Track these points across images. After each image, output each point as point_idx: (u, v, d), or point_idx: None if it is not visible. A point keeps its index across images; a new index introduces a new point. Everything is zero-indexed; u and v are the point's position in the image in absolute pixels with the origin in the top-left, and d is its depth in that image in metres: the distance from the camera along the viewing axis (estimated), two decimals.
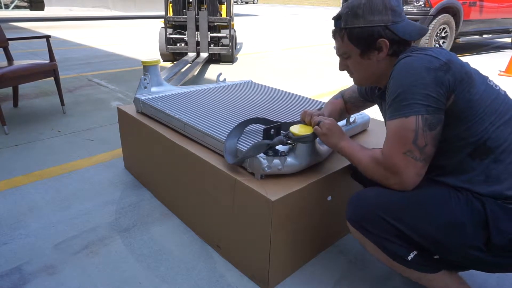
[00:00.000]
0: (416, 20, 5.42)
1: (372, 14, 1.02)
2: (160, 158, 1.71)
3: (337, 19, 1.09)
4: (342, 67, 1.15)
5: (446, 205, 0.95)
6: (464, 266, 1.10)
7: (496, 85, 1.00)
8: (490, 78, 1.04)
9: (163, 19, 5.04)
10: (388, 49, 1.04)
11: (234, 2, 23.89)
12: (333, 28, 1.12)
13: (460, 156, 0.96)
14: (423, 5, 5.60)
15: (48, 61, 2.89)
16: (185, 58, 4.71)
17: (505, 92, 1.01)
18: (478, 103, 0.93)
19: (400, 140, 0.93)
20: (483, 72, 1.08)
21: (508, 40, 8.21)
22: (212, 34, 5.03)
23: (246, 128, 1.47)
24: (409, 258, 0.99)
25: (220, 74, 2.24)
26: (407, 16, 1.10)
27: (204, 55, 4.99)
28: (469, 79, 0.93)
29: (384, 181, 0.99)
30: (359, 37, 1.04)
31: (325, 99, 3.64)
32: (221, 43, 5.17)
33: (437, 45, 5.93)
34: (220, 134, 1.41)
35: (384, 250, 1.00)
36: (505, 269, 0.97)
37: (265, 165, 1.22)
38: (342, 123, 1.54)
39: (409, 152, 0.92)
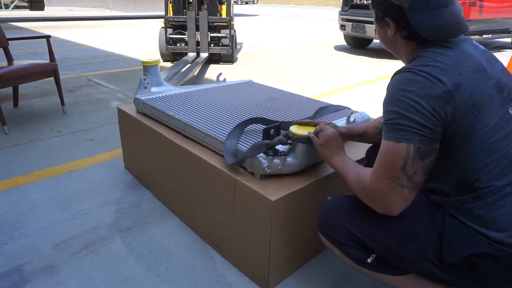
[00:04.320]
0: None
1: None
2: (160, 158, 1.71)
3: None
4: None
5: (405, 217, 0.93)
6: None
7: None
8: None
9: (163, 19, 5.04)
10: (396, 31, 0.92)
11: (234, 2, 23.89)
12: None
13: (445, 182, 0.91)
14: None
15: (48, 61, 2.89)
16: (185, 58, 4.71)
17: None
18: (478, 140, 0.82)
19: (388, 165, 0.86)
20: None
21: (508, 40, 8.21)
22: (212, 34, 5.03)
23: (246, 128, 1.47)
24: (368, 260, 1.01)
25: (220, 74, 2.24)
26: None
27: (204, 55, 4.99)
28: (476, 111, 0.81)
29: (370, 204, 0.94)
30: (374, 0, 0.95)
31: (325, 99, 3.64)
32: (221, 43, 5.17)
33: None
34: (220, 134, 1.41)
35: (346, 255, 1.03)
36: (462, 287, 0.94)
37: (265, 165, 1.22)
38: (342, 123, 1.53)
39: (395, 178, 0.85)
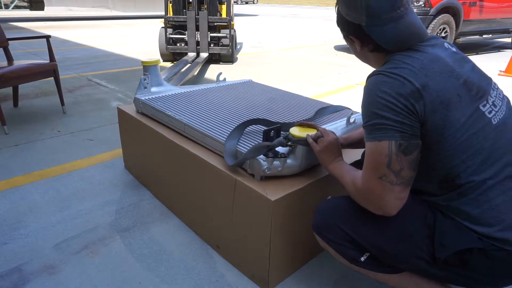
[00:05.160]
0: None
1: (349, 8, 0.95)
2: (160, 158, 1.71)
3: None
4: None
5: (398, 216, 0.94)
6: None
7: (492, 111, 0.90)
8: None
9: (163, 19, 5.04)
10: (362, 46, 0.99)
11: (234, 2, 23.88)
12: None
13: (429, 182, 0.93)
14: (423, 5, 5.60)
15: (48, 61, 2.89)
16: (185, 58, 4.71)
17: (503, 119, 0.91)
18: (451, 137, 0.86)
19: (374, 164, 0.88)
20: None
21: (508, 40, 8.21)
22: (212, 34, 5.03)
23: (246, 129, 1.47)
24: (362, 259, 1.03)
25: (220, 74, 2.24)
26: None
27: (204, 55, 4.99)
28: (445, 109, 0.85)
29: (366, 207, 0.95)
30: (339, 21, 1.02)
31: (325, 99, 3.64)
32: (221, 43, 5.17)
33: None
34: (220, 135, 1.41)
35: (340, 254, 1.05)
36: (456, 283, 0.96)
37: (265, 166, 1.22)
38: (342, 123, 1.53)
39: (384, 176, 0.87)
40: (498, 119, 0.91)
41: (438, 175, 0.91)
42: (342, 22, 1.01)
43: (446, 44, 0.97)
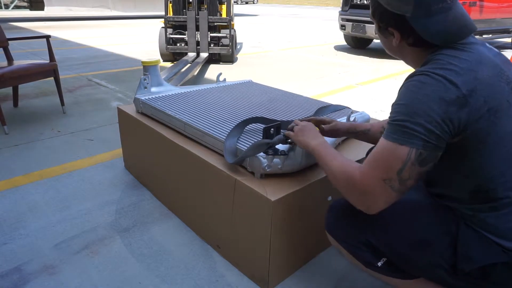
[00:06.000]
0: None
1: None
2: (160, 158, 1.71)
3: None
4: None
5: (417, 222, 0.92)
6: None
7: None
8: None
9: (163, 19, 5.04)
10: (401, 40, 0.91)
11: (234, 2, 23.88)
12: None
13: (459, 189, 0.88)
14: None
15: (48, 61, 2.89)
16: (185, 58, 4.71)
17: None
18: (494, 146, 0.79)
19: (385, 165, 0.82)
20: None
21: (508, 40, 8.21)
22: (212, 34, 5.03)
23: (246, 128, 1.47)
24: (379, 264, 0.99)
25: (220, 74, 2.24)
26: None
27: (204, 55, 4.99)
28: (492, 116, 0.77)
29: (350, 198, 0.90)
30: (375, 11, 0.93)
31: (325, 99, 3.64)
32: (221, 43, 5.17)
33: None
34: (220, 134, 1.41)
35: (356, 257, 1.02)
36: None
37: (265, 164, 1.22)
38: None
39: (389, 180, 0.82)
40: None
41: (471, 184, 0.85)
42: (381, 13, 0.91)
43: (487, 44, 0.89)
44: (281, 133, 1.30)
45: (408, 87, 0.83)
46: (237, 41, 8.07)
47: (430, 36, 0.86)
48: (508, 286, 0.87)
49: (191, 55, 4.94)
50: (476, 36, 6.79)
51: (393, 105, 0.86)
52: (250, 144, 1.32)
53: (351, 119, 1.56)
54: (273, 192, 1.18)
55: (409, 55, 0.95)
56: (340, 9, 6.64)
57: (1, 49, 2.94)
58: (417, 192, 1.00)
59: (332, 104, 1.78)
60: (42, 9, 11.28)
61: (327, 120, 1.32)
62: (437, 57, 0.84)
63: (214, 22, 5.00)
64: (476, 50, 0.83)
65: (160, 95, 1.91)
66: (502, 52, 6.91)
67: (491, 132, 0.79)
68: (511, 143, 0.80)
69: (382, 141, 0.85)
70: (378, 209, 0.86)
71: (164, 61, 5.40)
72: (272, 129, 1.28)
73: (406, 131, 0.80)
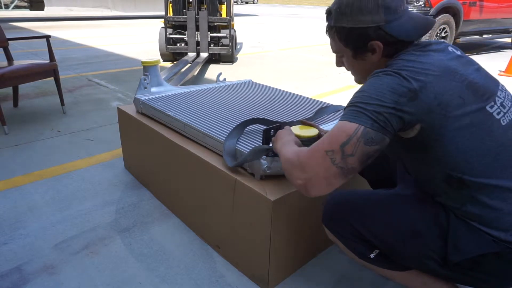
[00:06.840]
0: None
1: (362, 13, 0.93)
2: (160, 158, 1.71)
3: (328, 14, 1.02)
4: (338, 64, 1.10)
5: (408, 214, 0.96)
6: None
7: (501, 112, 0.89)
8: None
9: (163, 19, 5.04)
10: (383, 50, 0.96)
11: (234, 2, 23.88)
12: (326, 23, 1.05)
13: (434, 180, 0.93)
14: (423, 5, 5.60)
15: (48, 61, 2.89)
16: (185, 58, 4.71)
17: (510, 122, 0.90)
18: (451, 136, 0.85)
19: (330, 139, 0.86)
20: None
21: (508, 40, 8.21)
22: (212, 34, 5.03)
23: (246, 129, 1.47)
24: (371, 256, 1.03)
25: (220, 74, 2.24)
26: None
27: (204, 55, 4.99)
28: (444, 111, 0.84)
29: (291, 176, 0.91)
30: (348, 38, 0.98)
31: (325, 99, 3.64)
32: (221, 43, 5.17)
33: None
34: (220, 135, 1.41)
35: (349, 249, 1.06)
36: (464, 284, 0.97)
37: (265, 166, 1.22)
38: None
39: (331, 152, 0.84)
40: (508, 120, 0.89)
41: (440, 173, 0.90)
42: (356, 35, 0.96)
43: (450, 48, 0.96)
44: None
45: (369, 80, 0.91)
46: (237, 41, 8.07)
47: (406, 35, 0.94)
48: (499, 276, 0.89)
49: (191, 55, 4.94)
50: (476, 36, 6.79)
51: (353, 94, 0.92)
52: (250, 145, 1.32)
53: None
54: (273, 192, 1.18)
55: (374, 68, 1.00)
56: None
57: (1, 49, 2.94)
58: (410, 189, 1.04)
59: (332, 105, 1.78)
60: (42, 9, 11.27)
61: (309, 124, 1.32)
62: (395, 61, 0.93)
63: (214, 22, 5.00)
64: (431, 55, 0.92)
65: (160, 95, 1.91)
66: (502, 52, 6.91)
67: (447, 124, 0.85)
68: (470, 133, 0.85)
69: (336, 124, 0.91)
70: (314, 187, 0.87)
71: (164, 61, 5.40)
72: (272, 131, 1.28)
73: (357, 111, 0.86)
